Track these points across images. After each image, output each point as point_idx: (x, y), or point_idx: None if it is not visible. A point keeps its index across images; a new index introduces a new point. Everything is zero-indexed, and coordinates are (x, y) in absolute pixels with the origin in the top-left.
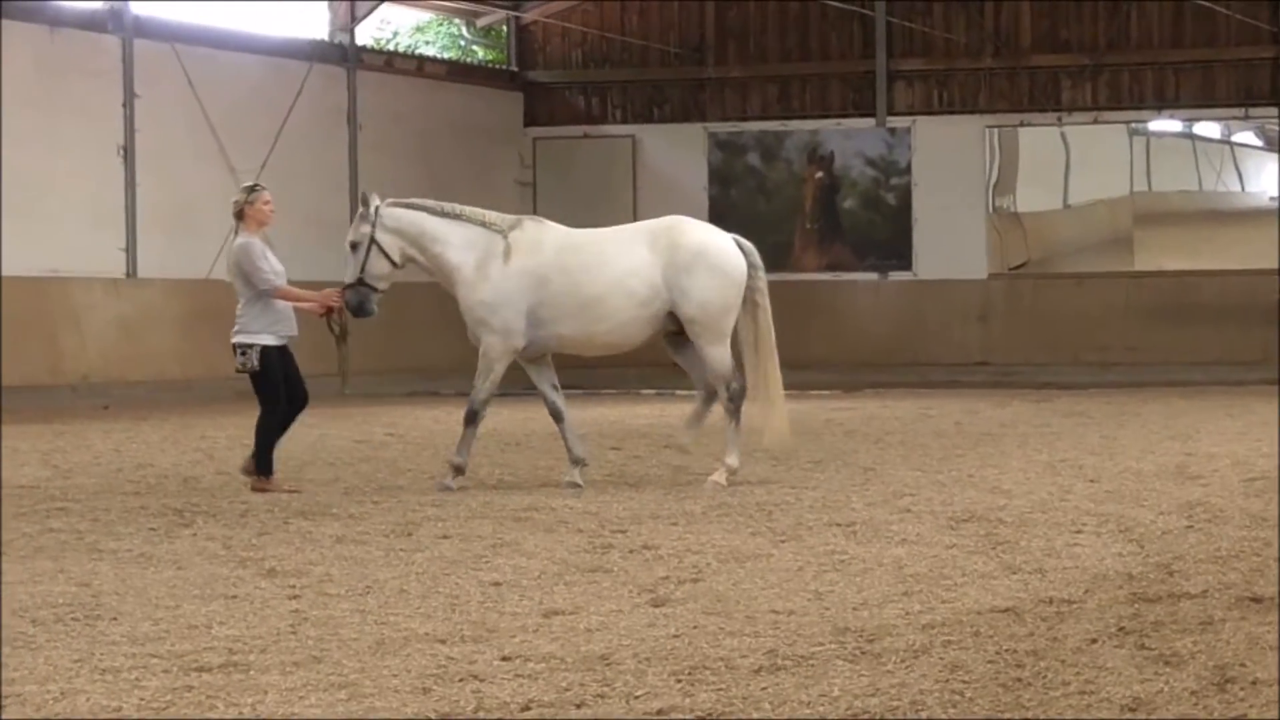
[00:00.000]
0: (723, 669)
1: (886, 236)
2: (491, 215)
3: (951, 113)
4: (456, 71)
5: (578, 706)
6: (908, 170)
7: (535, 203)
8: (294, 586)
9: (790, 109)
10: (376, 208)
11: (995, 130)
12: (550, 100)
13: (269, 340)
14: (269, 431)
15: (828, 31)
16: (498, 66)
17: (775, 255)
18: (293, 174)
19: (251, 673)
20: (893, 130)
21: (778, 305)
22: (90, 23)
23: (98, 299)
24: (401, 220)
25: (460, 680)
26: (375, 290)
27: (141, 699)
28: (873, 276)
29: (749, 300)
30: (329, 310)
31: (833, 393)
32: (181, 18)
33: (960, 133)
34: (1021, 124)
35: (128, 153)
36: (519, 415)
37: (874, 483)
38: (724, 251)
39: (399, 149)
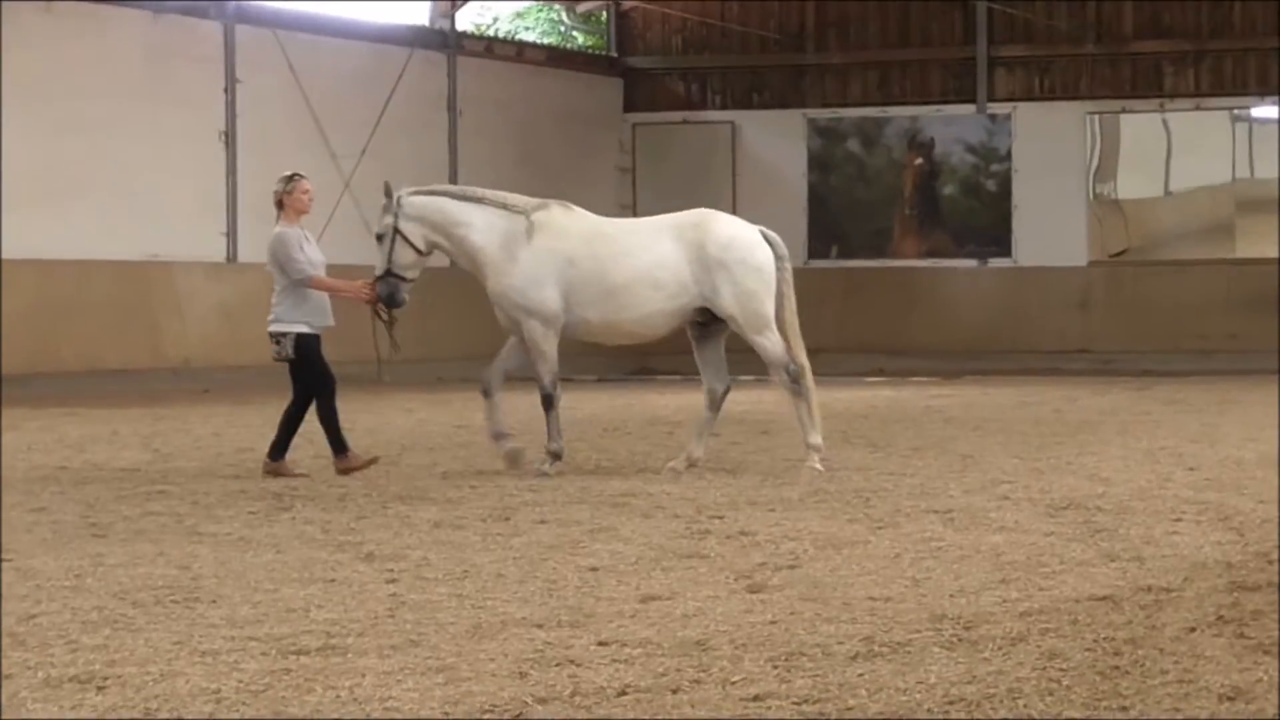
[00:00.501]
0: (819, 655)
1: (986, 223)
2: (513, 198)
3: (1052, 99)
4: (556, 57)
5: (674, 692)
6: (1008, 157)
7: (634, 188)
8: (392, 570)
9: (890, 95)
10: (399, 198)
11: (1096, 117)
12: (650, 86)
13: (304, 329)
14: (293, 416)
15: (928, 18)
16: (597, 52)
17: (875, 242)
18: (393, 160)
19: (349, 656)
20: (993, 117)
21: (878, 291)
22: (192, 9)
23: (199, 284)
24: (423, 207)
25: (557, 665)
26: (404, 280)
27: (240, 681)
28: (972, 263)
29: (775, 291)
30: (374, 301)
31: (931, 380)
32: (283, 4)
33: (1061, 119)
34: (1123, 110)
35: (229, 138)
36: (617, 401)
37: (972, 470)
38: (751, 244)
39: (499, 135)
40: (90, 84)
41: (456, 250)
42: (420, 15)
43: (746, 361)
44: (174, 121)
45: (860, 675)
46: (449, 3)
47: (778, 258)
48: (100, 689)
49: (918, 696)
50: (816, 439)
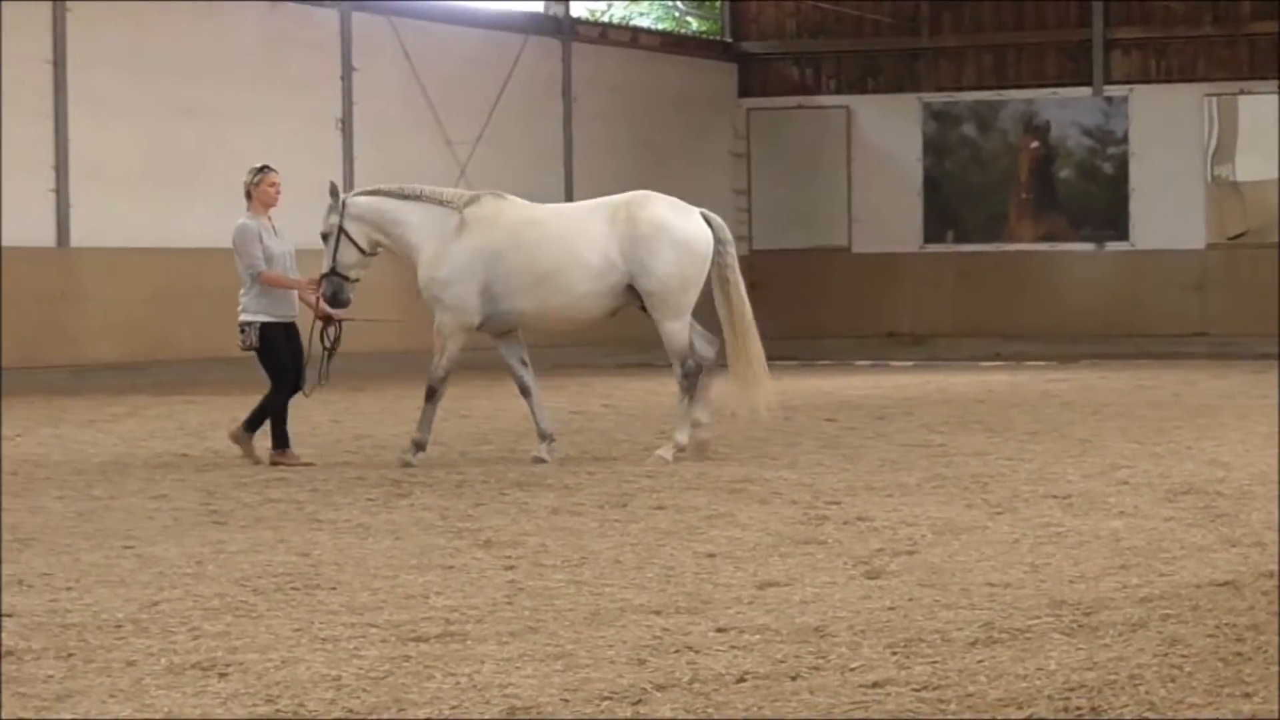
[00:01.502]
0: (938, 641)
1: (1103, 206)
2: (449, 193)
3: (1169, 81)
4: (671, 43)
5: (793, 679)
6: (1125, 140)
7: (749, 174)
8: (510, 557)
9: (1005, 79)
10: (343, 199)
11: (1214, 99)
12: (764, 71)
13: (267, 319)
14: (276, 407)
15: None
16: (712, 37)
17: (990, 226)
18: (507, 146)
19: (468, 643)
20: (1109, 99)
21: (994, 276)
22: None
23: (315, 271)
24: (364, 207)
25: (675, 651)
26: (348, 279)
27: (360, 668)
28: (1089, 247)
29: (719, 276)
30: (327, 321)
31: (1048, 364)
32: None
33: (1178, 101)
34: (1241, 92)
35: (345, 125)
36: (732, 386)
37: (1090, 454)
38: (685, 228)
39: (613, 121)
40: (208, 71)
41: (396, 248)
42: (535, 2)
43: (865, 346)
44: (290, 109)
45: (980, 661)
46: None
47: (719, 241)
48: (222, 675)
49: (1038, 683)
50: (682, 438)
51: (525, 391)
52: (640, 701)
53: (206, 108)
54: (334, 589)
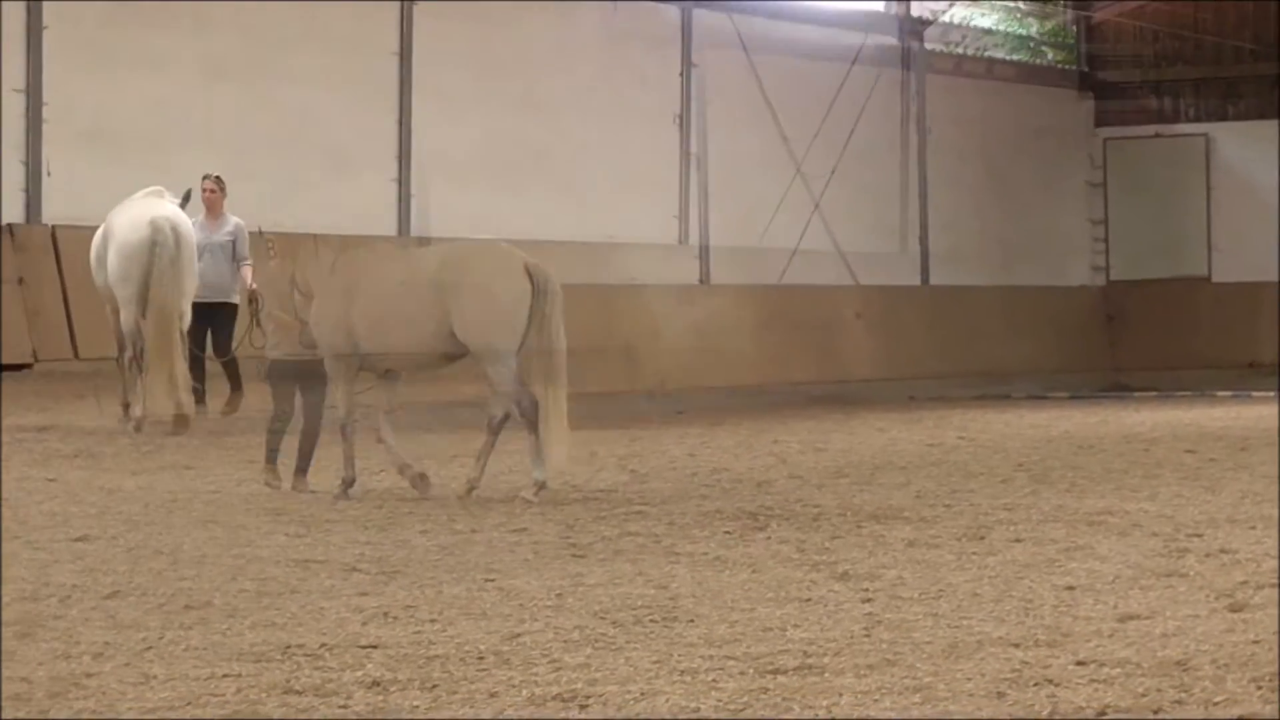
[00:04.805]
0: None
1: None
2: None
3: None
4: (1025, 73)
5: (1154, 713)
6: None
7: (1106, 204)
8: (867, 590)
9: None
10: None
11: None
12: (1121, 100)
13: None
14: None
15: None
16: (1067, 67)
17: None
18: (859, 181)
19: (826, 675)
20: None
21: None
22: None
23: (673, 307)
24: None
25: (1035, 685)
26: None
27: (719, 700)
28: None
29: (536, 329)
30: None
31: None
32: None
33: None
34: None
35: (683, 121)
36: (1091, 418)
37: None
38: (490, 279)
39: (967, 152)
40: (550, 67)
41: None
42: (889, 33)
43: (1225, 377)
44: (630, 104)
45: None
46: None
47: (540, 293)
48: (583, 707)
49: None
50: (539, 475)
51: (380, 439)
52: None
53: (548, 103)
54: (692, 621)
